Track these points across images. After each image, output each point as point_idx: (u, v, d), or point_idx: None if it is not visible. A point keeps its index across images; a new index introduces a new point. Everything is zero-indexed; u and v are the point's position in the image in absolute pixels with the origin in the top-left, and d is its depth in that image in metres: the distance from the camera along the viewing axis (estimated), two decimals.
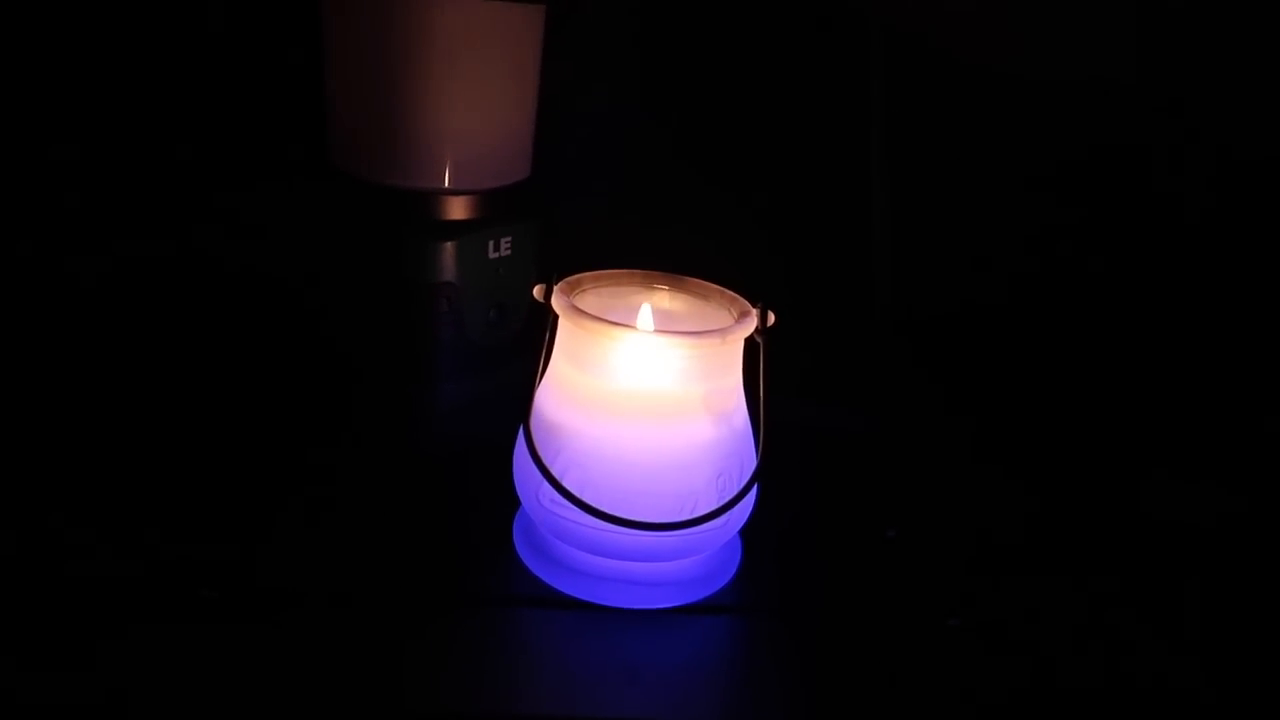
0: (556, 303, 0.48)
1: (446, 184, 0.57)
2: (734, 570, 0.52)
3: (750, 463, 0.49)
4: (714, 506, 0.46)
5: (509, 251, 0.59)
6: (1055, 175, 0.72)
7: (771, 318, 0.48)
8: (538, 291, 0.49)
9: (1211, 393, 0.69)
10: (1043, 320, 0.74)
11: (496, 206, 0.59)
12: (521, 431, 0.48)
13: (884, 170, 0.74)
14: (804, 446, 0.60)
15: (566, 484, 0.46)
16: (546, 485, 0.46)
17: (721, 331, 0.47)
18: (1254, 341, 0.69)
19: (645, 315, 0.50)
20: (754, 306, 0.49)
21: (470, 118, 0.57)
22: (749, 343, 0.49)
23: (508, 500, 0.51)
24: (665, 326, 0.50)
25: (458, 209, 0.58)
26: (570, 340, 0.48)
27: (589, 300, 0.49)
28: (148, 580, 0.47)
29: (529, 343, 0.61)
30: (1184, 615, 0.52)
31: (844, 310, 0.75)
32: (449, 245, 0.56)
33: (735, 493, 0.47)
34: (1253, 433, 0.66)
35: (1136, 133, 0.71)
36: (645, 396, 0.47)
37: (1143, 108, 0.69)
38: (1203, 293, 0.71)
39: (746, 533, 0.52)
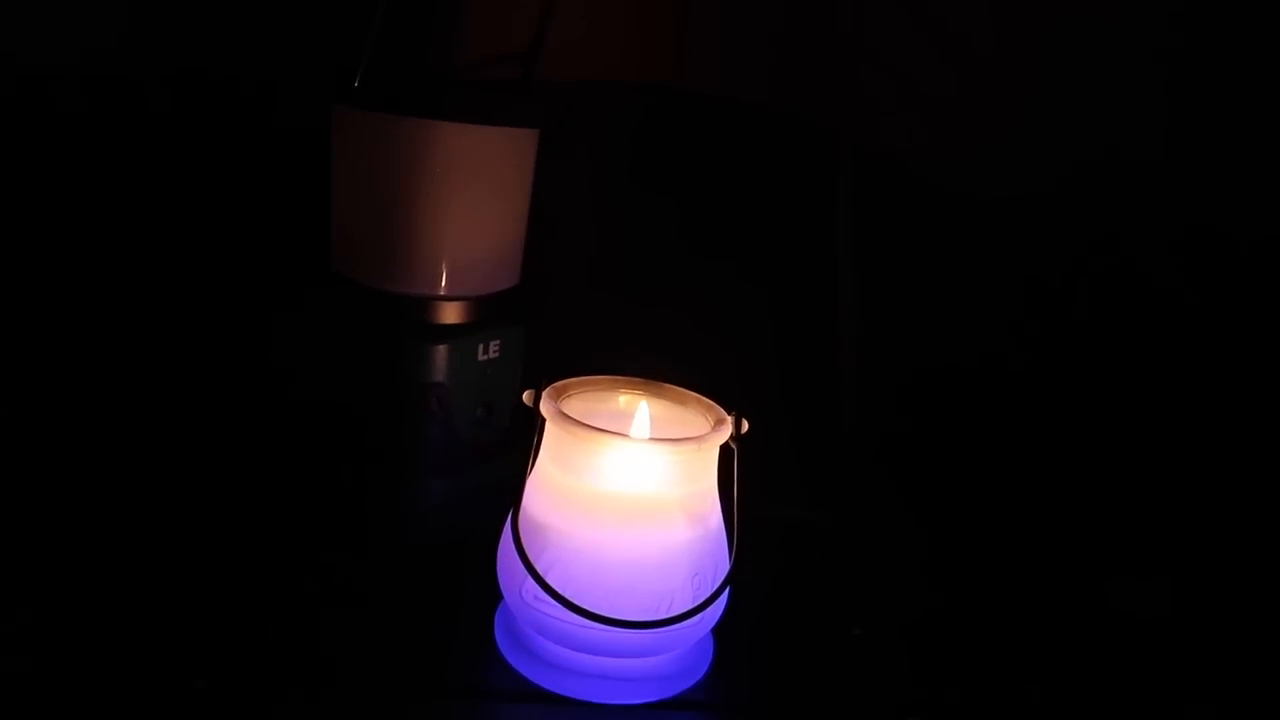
0: (544, 408, 0.51)
1: (441, 291, 0.61)
2: (706, 667, 0.54)
3: (724, 563, 0.51)
4: (690, 605, 0.49)
5: (497, 354, 0.62)
6: (1019, 287, 0.77)
7: (745, 425, 0.51)
8: (527, 397, 0.52)
9: (1171, 492, 0.72)
10: (1006, 423, 0.77)
11: (487, 311, 0.63)
12: (508, 528, 0.50)
13: (851, 281, 0.78)
14: (774, 546, 0.63)
15: (550, 581, 0.48)
16: (530, 581, 0.49)
17: (700, 439, 0.50)
18: (1207, 443, 0.73)
19: (640, 421, 0.53)
20: (728, 414, 0.52)
21: (465, 231, 0.61)
22: (723, 448, 0.52)
23: (491, 594, 0.53)
24: (645, 432, 0.53)
25: (450, 314, 0.61)
26: (556, 443, 0.51)
27: (574, 405, 0.52)
28: (141, 670, 0.49)
29: (515, 440, 0.64)
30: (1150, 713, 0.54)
31: (810, 409, 0.78)
32: (441, 348, 0.60)
33: (710, 592, 0.50)
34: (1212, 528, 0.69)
35: (1089, 249, 0.75)
36: (626, 499, 0.49)
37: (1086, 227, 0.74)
38: (1158, 400, 0.74)
39: (718, 629, 0.54)
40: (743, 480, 0.51)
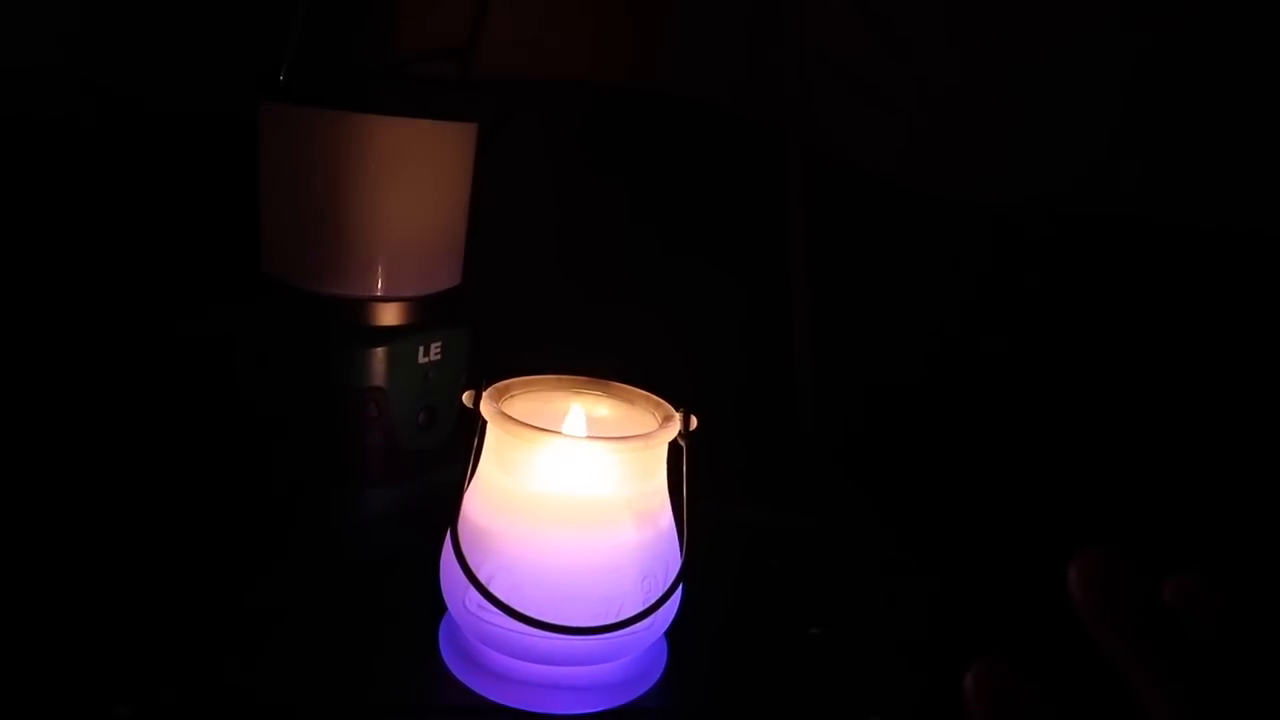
0: (485, 409, 0.49)
1: (378, 291, 0.58)
2: (660, 672, 0.52)
3: (675, 564, 0.50)
4: (640, 609, 0.47)
5: (439, 356, 0.60)
6: (973, 289, 0.76)
7: (694, 421, 0.50)
8: (467, 398, 0.50)
9: (1127, 492, 0.72)
10: (963, 423, 0.77)
11: (427, 312, 0.60)
12: (449, 537, 0.48)
13: (804, 283, 0.77)
14: (728, 546, 0.62)
15: (493, 589, 0.46)
16: (473, 591, 0.47)
17: (646, 436, 0.48)
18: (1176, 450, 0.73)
19: (574, 420, 0.52)
20: (677, 411, 0.50)
21: (402, 228, 0.58)
22: (672, 446, 0.50)
23: (434, 606, 0.51)
24: (592, 432, 0.51)
25: (388, 315, 0.59)
26: (498, 445, 0.49)
27: (517, 406, 0.50)
28: (61, 696, 0.46)
29: (458, 447, 0.62)
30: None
31: (766, 411, 0.77)
32: (379, 351, 0.57)
33: (660, 594, 0.48)
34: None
35: (1045, 248, 0.75)
36: (572, 500, 0.48)
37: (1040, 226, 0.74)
38: (1122, 399, 0.74)
39: (672, 633, 0.52)
40: (695, 480, 0.49)
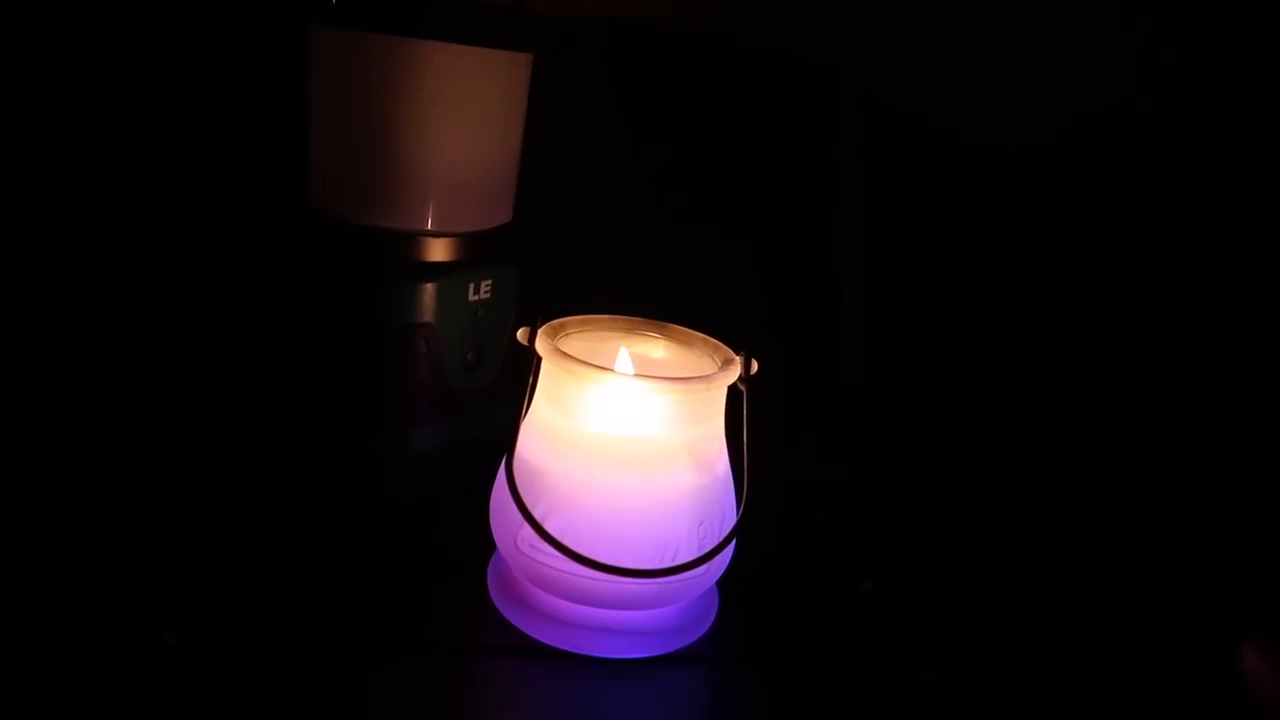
0: (540, 346, 0.47)
1: (428, 226, 0.57)
2: (710, 621, 0.51)
3: (731, 512, 0.49)
4: (694, 555, 0.46)
5: (489, 294, 0.59)
6: (1024, 237, 0.74)
7: (754, 365, 0.48)
8: (522, 334, 0.49)
9: (1186, 450, 0.70)
10: (1014, 374, 0.75)
11: (477, 249, 0.59)
12: (502, 474, 0.47)
13: (855, 224, 0.75)
14: (781, 498, 0.60)
15: (547, 528, 0.45)
16: (525, 529, 0.46)
17: (707, 378, 0.47)
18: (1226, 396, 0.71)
19: (630, 360, 0.50)
20: (737, 354, 0.49)
21: (454, 161, 0.57)
22: (731, 391, 0.49)
23: (483, 546, 0.50)
24: (648, 373, 0.50)
25: (438, 251, 0.57)
26: (553, 384, 0.48)
27: (572, 345, 0.49)
28: (109, 622, 0.45)
29: (505, 389, 0.61)
30: (1164, 669, 0.52)
31: (818, 364, 0.76)
32: (429, 286, 0.56)
33: (717, 542, 0.47)
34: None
35: (1097, 198, 0.73)
36: (628, 442, 0.46)
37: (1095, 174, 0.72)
38: (1170, 349, 0.72)
39: (723, 583, 0.51)
40: (755, 427, 0.48)
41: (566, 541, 0.45)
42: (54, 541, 0.51)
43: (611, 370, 0.46)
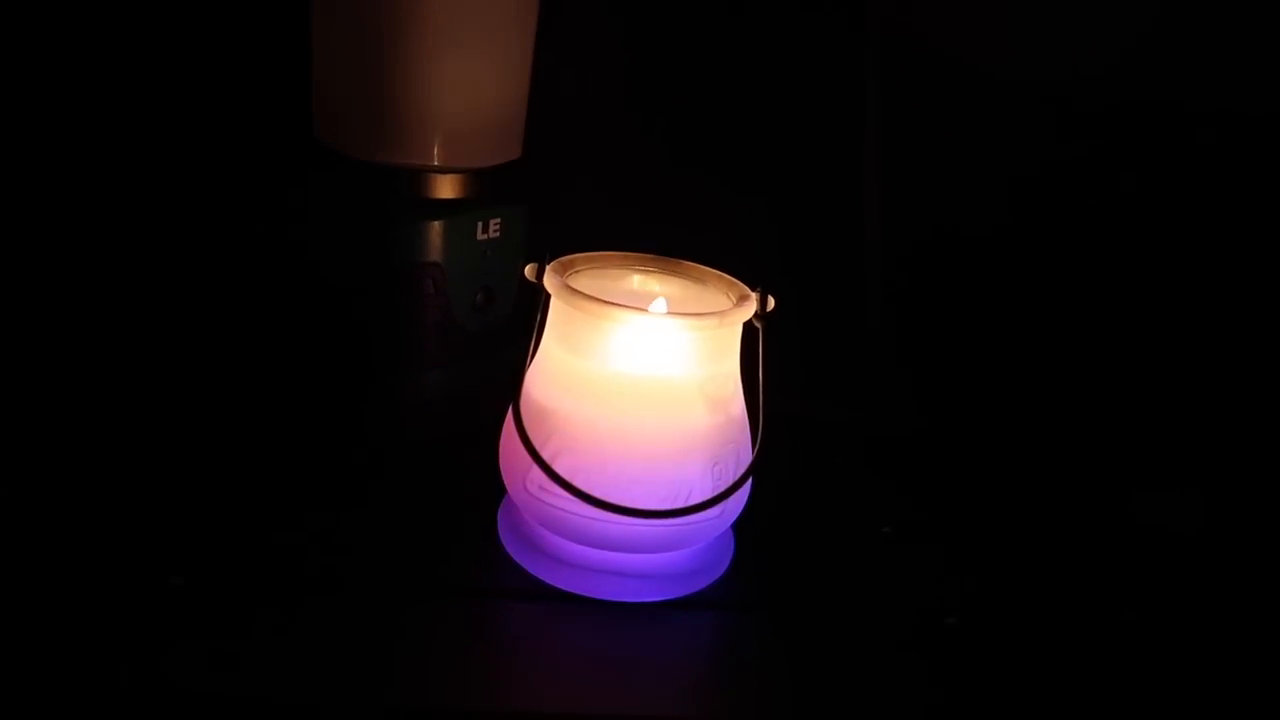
0: (549, 282, 0.46)
1: (435, 161, 0.55)
2: (726, 565, 0.50)
3: (746, 453, 0.47)
4: (709, 495, 0.45)
5: (498, 234, 0.57)
6: (1047, 176, 0.72)
7: (771, 302, 0.46)
8: (529, 270, 0.47)
9: (1209, 395, 0.68)
10: (1036, 317, 0.73)
11: (485, 187, 0.57)
12: (510, 415, 0.46)
13: (877, 161, 0.73)
14: (799, 441, 0.59)
15: (557, 469, 0.44)
16: (535, 471, 0.44)
17: (721, 314, 0.45)
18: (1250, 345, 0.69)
19: (643, 297, 0.48)
20: (753, 291, 0.47)
21: (461, 92, 0.55)
22: (747, 329, 0.47)
23: (493, 489, 0.49)
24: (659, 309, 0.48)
25: (446, 188, 0.56)
26: (563, 322, 0.46)
27: (582, 282, 0.47)
28: (116, 566, 0.45)
29: (515, 331, 0.59)
30: (1180, 615, 0.51)
31: (837, 304, 0.74)
32: (436, 224, 0.54)
33: (731, 482, 0.45)
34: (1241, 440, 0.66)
35: (1130, 135, 0.70)
36: (641, 381, 0.45)
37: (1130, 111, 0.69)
38: (1196, 297, 0.70)
39: (739, 527, 0.50)
40: (771, 366, 0.46)
41: (576, 483, 0.43)
42: (62, 485, 0.50)
43: (623, 306, 0.44)
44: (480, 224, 0.56)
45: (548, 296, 0.46)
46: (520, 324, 0.49)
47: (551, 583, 0.47)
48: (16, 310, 0.63)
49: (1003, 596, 0.51)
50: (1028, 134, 0.71)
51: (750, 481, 0.47)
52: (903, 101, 0.72)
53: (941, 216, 0.74)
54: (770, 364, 0.46)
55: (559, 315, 0.47)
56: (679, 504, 0.44)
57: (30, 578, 0.44)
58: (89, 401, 0.57)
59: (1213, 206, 0.69)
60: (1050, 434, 0.66)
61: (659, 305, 0.49)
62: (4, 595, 0.43)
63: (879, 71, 0.72)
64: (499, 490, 0.49)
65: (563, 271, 0.47)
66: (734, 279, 0.49)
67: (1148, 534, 0.57)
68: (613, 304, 0.44)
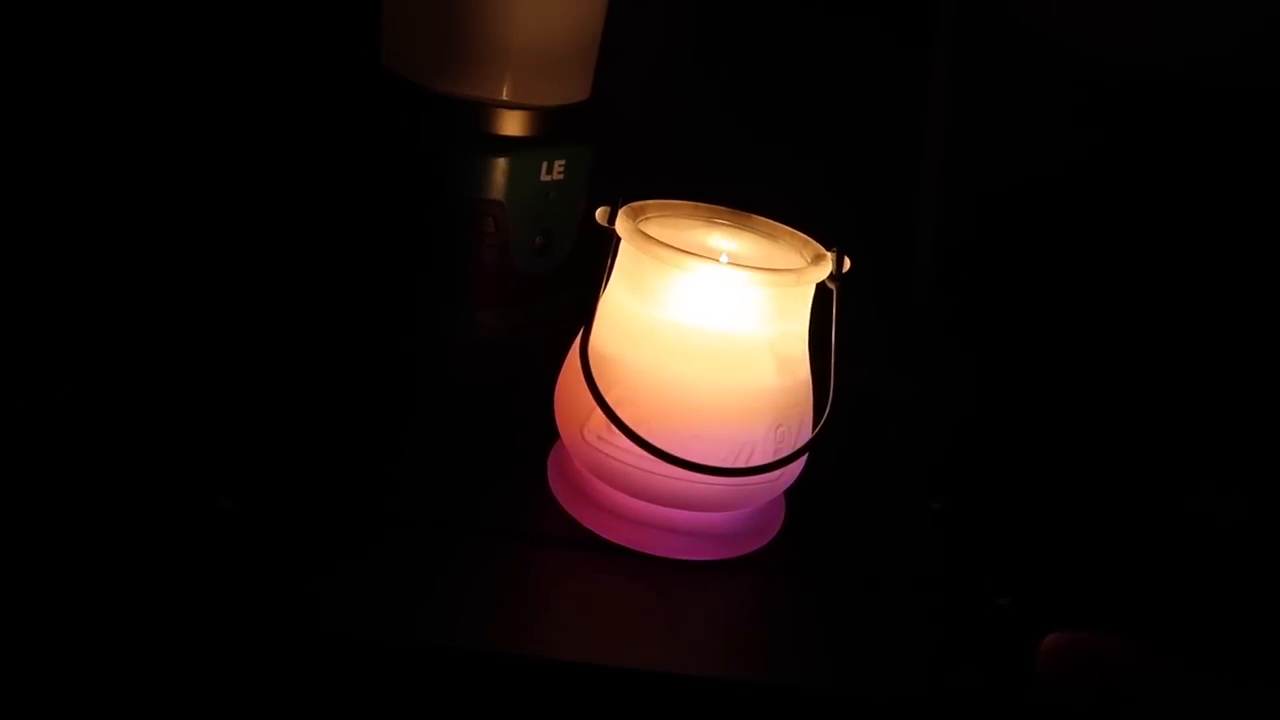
0: (621, 226, 0.44)
1: (503, 95, 0.53)
2: (776, 529, 0.49)
3: (809, 418, 0.46)
4: (770, 459, 0.44)
5: (562, 175, 0.56)
6: (1118, 159, 0.69)
7: (847, 263, 0.45)
8: (601, 214, 0.45)
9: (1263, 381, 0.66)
10: (1093, 297, 0.71)
11: (552, 126, 0.56)
12: (572, 358, 0.45)
13: (939, 127, 0.70)
14: (854, 411, 0.58)
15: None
16: (594, 418, 0.43)
17: (797, 271, 0.43)
18: None
19: (716, 248, 0.47)
20: (829, 250, 0.45)
21: (533, 26, 0.53)
22: (821, 288, 0.46)
23: (544, 435, 0.49)
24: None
25: (512, 124, 0.54)
26: (632, 267, 0.45)
27: (652, 229, 0.46)
28: (167, 488, 0.44)
29: (571, 277, 0.58)
30: (1225, 604, 0.50)
31: (892, 274, 0.72)
32: (500, 161, 0.53)
33: (794, 448, 0.44)
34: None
35: (1202, 122, 0.67)
36: (710, 335, 0.44)
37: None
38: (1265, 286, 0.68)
39: (790, 493, 0.49)
40: (844, 329, 0.45)
41: (637, 433, 0.42)
42: (115, 405, 0.49)
43: (698, 255, 0.43)
44: (545, 164, 0.55)
45: (618, 240, 0.45)
46: (576, 271, 0.47)
47: (601, 534, 0.46)
48: (76, 230, 0.62)
49: (1048, 574, 0.50)
50: (1094, 106, 0.68)
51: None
52: (969, 74, 0.70)
53: (1003, 187, 0.72)
54: (843, 324, 0.45)
55: (629, 261, 0.45)
56: (739, 464, 0.43)
57: (80, 494, 0.43)
58: (151, 323, 0.56)
59: None
60: (1105, 420, 0.65)
61: (717, 252, 0.47)
62: (46, 503, 0.42)
63: (948, 39, 0.69)
64: (548, 436, 0.48)
65: (634, 216, 0.45)
66: (808, 237, 0.47)
67: (1196, 523, 0.56)
68: (688, 253, 0.43)
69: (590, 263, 0.46)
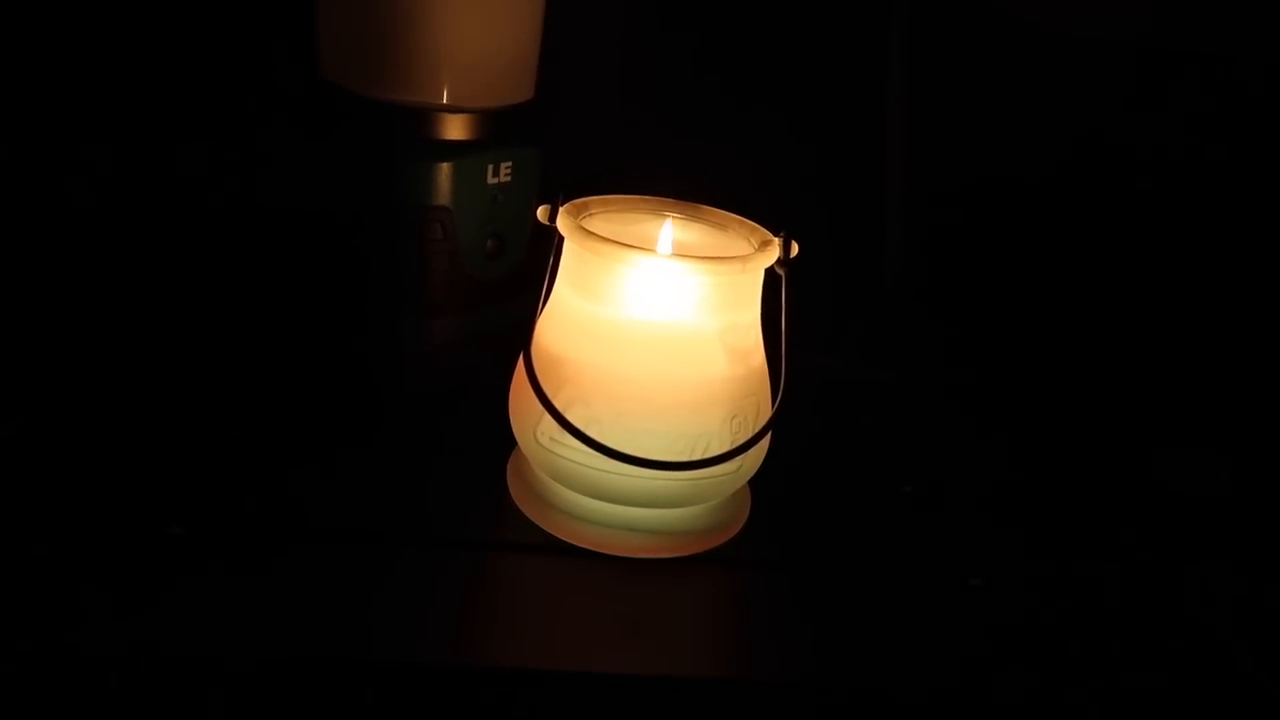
0: (563, 224, 0.44)
1: (444, 100, 0.53)
2: (742, 523, 0.48)
3: (766, 406, 0.45)
4: (726, 449, 0.43)
5: (509, 178, 0.55)
6: (1080, 133, 0.69)
7: (795, 247, 0.44)
8: (542, 212, 0.45)
9: (1226, 358, 0.66)
10: (1061, 279, 0.70)
11: (497, 128, 0.55)
12: (521, 363, 0.44)
13: (901, 109, 0.70)
14: (811, 397, 0.57)
15: (569, 419, 0.42)
16: (545, 421, 0.43)
17: (743, 258, 0.43)
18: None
19: (661, 240, 0.46)
20: (775, 235, 0.45)
21: (474, 28, 0.52)
22: (769, 278, 0.45)
23: (500, 442, 0.48)
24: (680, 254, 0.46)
25: (455, 128, 0.53)
26: (577, 265, 0.44)
27: (596, 225, 0.45)
28: (115, 514, 0.43)
29: (526, 282, 0.57)
30: (1199, 574, 0.50)
31: (864, 261, 0.71)
32: (445, 166, 0.52)
33: (751, 435, 0.43)
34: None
35: (1163, 95, 0.67)
36: (658, 328, 0.43)
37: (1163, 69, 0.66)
38: (1224, 260, 0.68)
39: (758, 485, 0.48)
40: (794, 315, 0.44)
41: (589, 433, 0.41)
42: (62, 433, 0.49)
43: (641, 249, 0.42)
44: (491, 167, 0.54)
45: (560, 239, 0.44)
46: (532, 274, 0.47)
47: (562, 537, 0.45)
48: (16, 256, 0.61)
49: (1021, 556, 0.49)
50: (1062, 82, 0.68)
51: (769, 437, 0.45)
52: (928, 51, 0.69)
53: (967, 165, 0.71)
54: (793, 309, 0.44)
55: (572, 259, 0.45)
56: (696, 457, 0.42)
57: (28, 525, 0.42)
58: (92, 346, 0.55)
59: (1247, 158, 0.66)
60: (1075, 394, 0.64)
61: (662, 244, 0.46)
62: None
63: (906, 17, 0.69)
64: (507, 443, 0.47)
65: (576, 214, 0.45)
66: (755, 224, 0.47)
67: (1170, 496, 0.55)
68: (631, 246, 0.42)
69: (543, 257, 0.45)
